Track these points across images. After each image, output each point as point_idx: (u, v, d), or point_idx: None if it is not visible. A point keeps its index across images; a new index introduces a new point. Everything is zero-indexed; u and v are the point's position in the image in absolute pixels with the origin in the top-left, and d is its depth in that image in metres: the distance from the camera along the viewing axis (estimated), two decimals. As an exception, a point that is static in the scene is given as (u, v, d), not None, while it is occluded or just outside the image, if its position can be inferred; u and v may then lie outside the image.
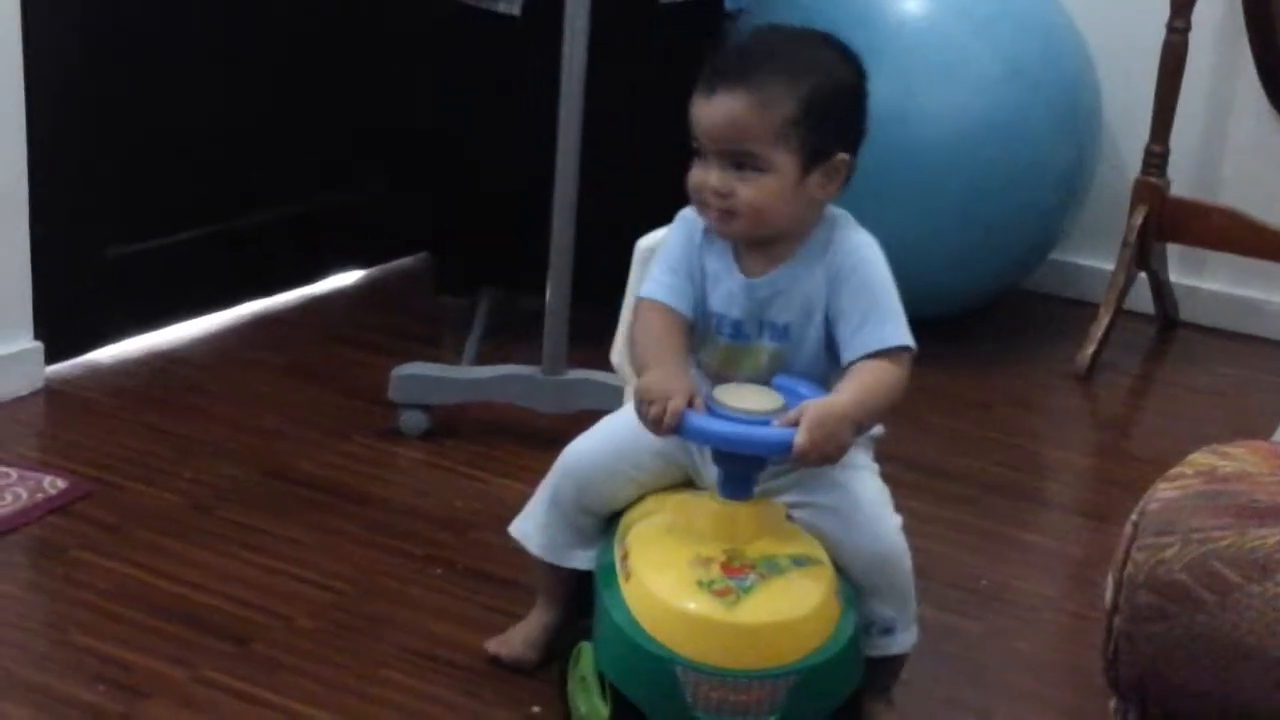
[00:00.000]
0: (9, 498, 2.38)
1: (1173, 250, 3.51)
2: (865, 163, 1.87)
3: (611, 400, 2.23)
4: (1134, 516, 1.52)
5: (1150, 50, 3.29)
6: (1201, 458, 1.56)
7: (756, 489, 1.81)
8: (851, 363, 1.81)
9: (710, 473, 1.86)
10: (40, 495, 2.39)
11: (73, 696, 1.94)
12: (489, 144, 3.09)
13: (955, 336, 3.30)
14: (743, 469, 1.79)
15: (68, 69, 2.77)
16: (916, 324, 1.84)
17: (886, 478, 1.92)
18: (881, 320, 1.82)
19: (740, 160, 1.79)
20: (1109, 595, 1.52)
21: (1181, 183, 3.42)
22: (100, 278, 2.94)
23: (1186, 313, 3.61)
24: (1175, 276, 3.58)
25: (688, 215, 1.90)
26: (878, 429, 1.92)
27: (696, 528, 1.80)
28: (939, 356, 3.08)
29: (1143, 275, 3.45)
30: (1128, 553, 1.50)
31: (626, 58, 2.84)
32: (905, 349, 1.82)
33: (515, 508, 2.06)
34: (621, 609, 1.77)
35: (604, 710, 1.82)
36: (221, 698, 1.96)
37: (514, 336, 3.05)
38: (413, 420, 2.71)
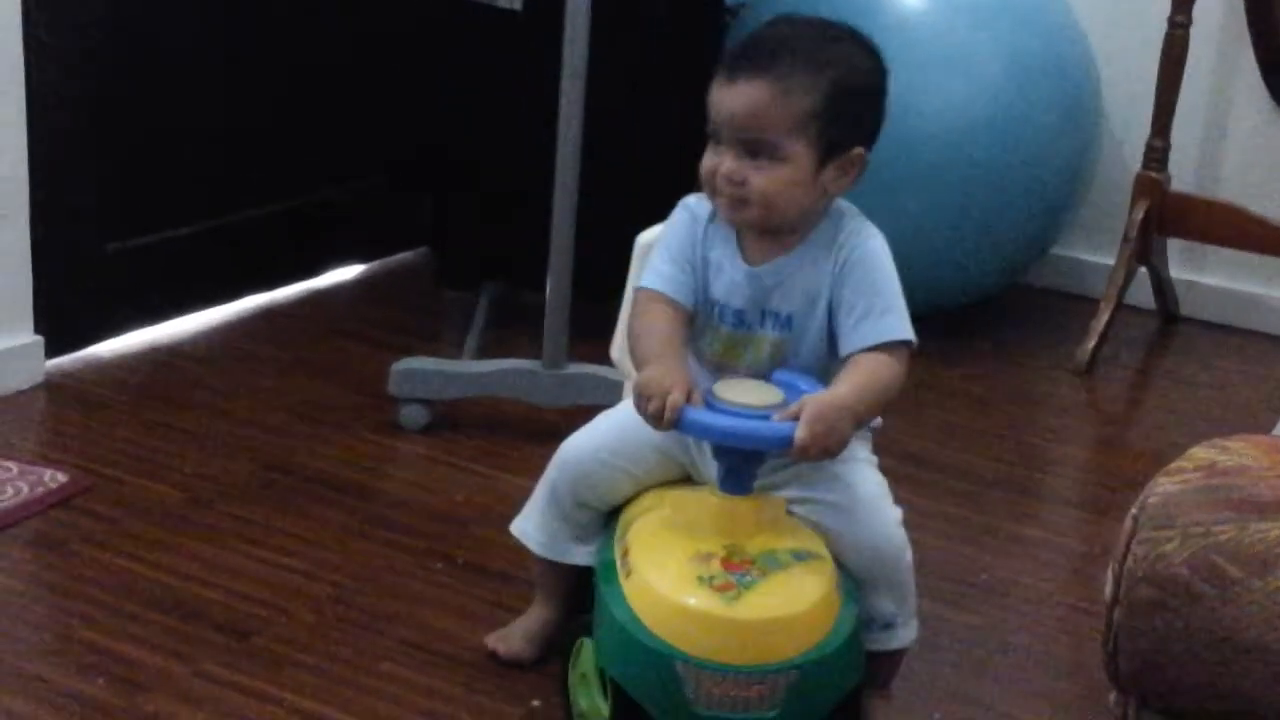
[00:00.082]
0: (10, 492, 2.38)
1: (1173, 245, 3.51)
2: (867, 157, 1.86)
3: (612, 395, 2.23)
4: (1134, 510, 1.52)
5: (1151, 45, 3.28)
6: (1202, 452, 1.56)
7: (756, 484, 1.81)
8: (851, 355, 1.81)
9: (708, 468, 1.85)
10: (41, 489, 2.40)
11: (73, 690, 1.94)
12: (490, 139, 3.09)
13: (956, 331, 3.30)
14: (743, 464, 1.79)
15: (68, 65, 2.77)
16: (917, 318, 1.84)
17: (886, 471, 1.92)
18: (883, 314, 1.81)
19: (756, 148, 1.78)
20: (1109, 589, 1.52)
21: (1182, 178, 3.42)
22: (101, 272, 2.93)
23: (1187, 307, 3.61)
24: (1176, 271, 3.57)
25: (690, 202, 1.90)
26: (876, 421, 1.92)
27: (697, 523, 1.80)
28: (939, 350, 3.09)
29: (1143, 270, 3.45)
30: (1128, 547, 1.50)
31: (627, 54, 2.84)
32: (905, 343, 1.82)
33: (516, 502, 2.06)
34: (622, 605, 1.77)
35: (604, 706, 1.82)
36: (222, 691, 1.96)
37: (515, 331, 3.05)
38: (413, 414, 2.71)
